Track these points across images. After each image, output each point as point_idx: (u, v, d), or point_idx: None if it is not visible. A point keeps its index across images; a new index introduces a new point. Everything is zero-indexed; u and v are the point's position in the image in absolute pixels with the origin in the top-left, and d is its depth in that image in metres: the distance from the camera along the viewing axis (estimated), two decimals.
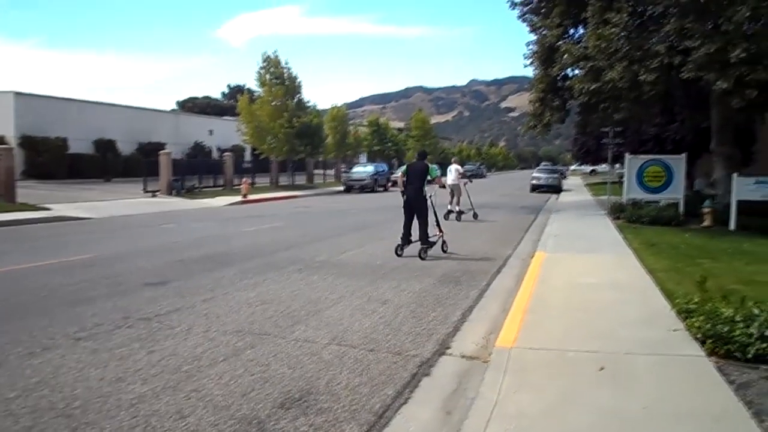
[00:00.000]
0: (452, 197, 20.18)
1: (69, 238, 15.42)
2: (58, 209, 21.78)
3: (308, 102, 44.16)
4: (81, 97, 43.25)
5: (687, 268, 9.98)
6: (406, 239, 12.31)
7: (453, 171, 21.11)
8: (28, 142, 35.12)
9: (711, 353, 5.45)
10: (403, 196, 12.67)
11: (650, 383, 4.85)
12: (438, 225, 12.74)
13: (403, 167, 13.36)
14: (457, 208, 20.10)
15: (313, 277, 9.77)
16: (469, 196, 20.58)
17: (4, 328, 6.55)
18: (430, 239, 12.07)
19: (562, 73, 21.84)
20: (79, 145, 38.59)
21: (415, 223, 12.24)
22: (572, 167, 79.33)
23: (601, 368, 5.13)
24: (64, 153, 36.97)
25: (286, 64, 42.23)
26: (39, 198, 24.00)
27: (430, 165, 12.81)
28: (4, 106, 35.75)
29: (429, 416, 4.53)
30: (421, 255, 11.72)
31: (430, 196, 12.62)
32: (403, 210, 12.55)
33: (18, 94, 36.96)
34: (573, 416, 4.26)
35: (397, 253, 12.03)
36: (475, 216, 20.10)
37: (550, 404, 4.45)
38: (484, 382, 4.92)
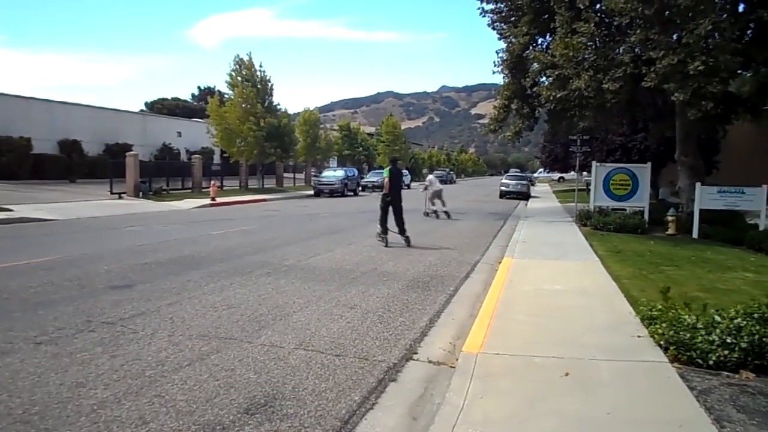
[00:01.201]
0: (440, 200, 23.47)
1: (31, 239, 15.11)
2: (21, 210, 21.34)
3: (278, 105, 44.06)
4: (46, 96, 42.53)
5: (651, 275, 10.15)
6: (386, 230, 14.69)
7: (435, 180, 24.99)
8: None
9: (674, 360, 5.55)
10: (387, 197, 14.96)
11: (614, 389, 4.91)
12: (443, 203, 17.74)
13: (386, 171, 15.65)
14: (444, 208, 23.20)
15: (280, 281, 9.70)
16: (428, 200, 23.78)
17: None
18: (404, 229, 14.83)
19: (532, 81, 22.10)
20: (44, 145, 37.80)
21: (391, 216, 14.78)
22: (536, 174, 79.68)
23: (566, 374, 5.17)
24: (28, 153, 36.16)
25: (261, 66, 42.08)
26: (0, 199, 23.48)
27: (402, 170, 15.11)
28: None
29: (395, 422, 4.52)
30: (409, 242, 14.53)
31: (421, 191, 18.37)
32: (380, 208, 15.00)
33: None
34: (538, 422, 4.29)
35: (386, 245, 14.32)
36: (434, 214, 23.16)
37: (515, 410, 4.47)
38: (450, 388, 4.93)
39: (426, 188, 24.18)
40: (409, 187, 57.53)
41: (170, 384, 5.04)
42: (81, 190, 31.64)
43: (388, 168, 15.63)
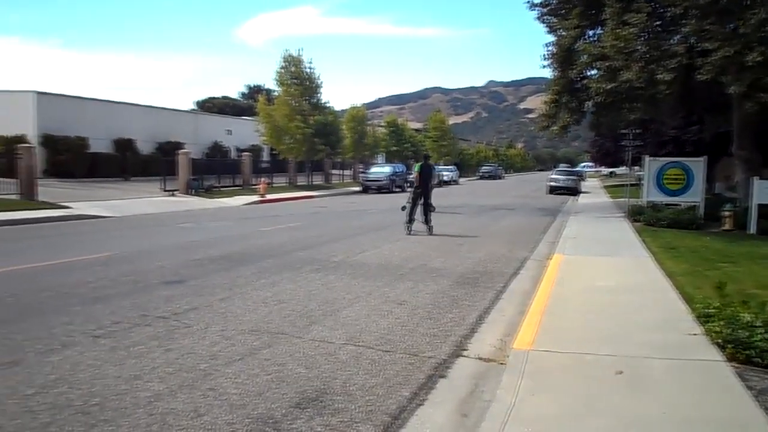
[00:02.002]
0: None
1: (88, 236, 15.56)
2: (78, 207, 21.99)
3: (326, 102, 44.33)
4: (101, 96, 43.88)
5: (706, 271, 9.88)
6: (412, 219, 16.06)
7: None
8: (48, 141, 35.41)
9: (731, 358, 5.39)
10: (417, 189, 16.34)
11: (669, 388, 4.80)
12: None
13: (417, 167, 16.88)
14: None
15: (329, 277, 9.78)
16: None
17: (24, 325, 6.61)
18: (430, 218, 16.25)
19: (580, 75, 21.73)
20: (99, 144, 38.86)
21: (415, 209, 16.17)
22: (581, 168, 77.42)
23: (619, 372, 5.08)
24: (85, 152, 37.22)
25: (309, 63, 42.32)
26: (59, 196, 24.23)
27: (433, 165, 17.29)
28: (26, 105, 36.11)
29: (445, 419, 4.51)
30: (431, 231, 15.87)
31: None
32: (411, 199, 16.28)
33: (39, 93, 37.28)
34: (590, 420, 4.22)
35: (409, 233, 15.71)
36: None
37: (567, 408, 4.42)
38: (500, 385, 4.89)
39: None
40: (457, 182, 57.48)
41: (223, 377, 5.13)
42: (135, 188, 32.42)
43: (419, 164, 16.97)
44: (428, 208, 16.31)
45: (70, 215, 20.20)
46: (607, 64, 18.10)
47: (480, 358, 5.87)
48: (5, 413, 4.34)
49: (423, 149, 69.70)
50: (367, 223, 18.99)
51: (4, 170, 25.38)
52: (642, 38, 17.19)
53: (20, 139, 31.71)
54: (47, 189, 25.20)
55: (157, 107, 49.21)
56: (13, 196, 22.16)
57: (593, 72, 20.53)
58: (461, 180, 64.17)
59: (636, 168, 40.02)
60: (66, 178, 34.18)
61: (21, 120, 35.12)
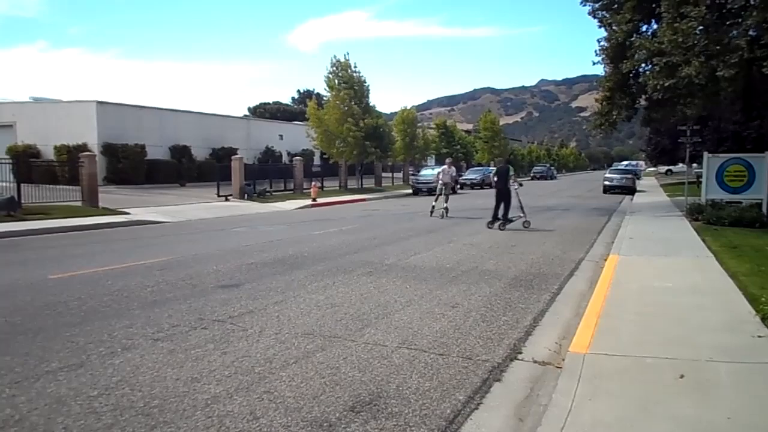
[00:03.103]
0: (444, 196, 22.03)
1: (147, 241, 15.96)
2: (137, 213, 22.61)
3: (374, 106, 44.46)
4: (157, 104, 44.91)
5: None
6: (495, 217, 17.67)
7: (445, 171, 22.89)
8: (109, 149, 36.56)
9: None
10: (495, 188, 18.30)
11: (734, 393, 4.63)
12: (521, 208, 17.72)
13: (494, 170, 19.68)
14: (444, 206, 21.77)
15: (381, 279, 9.79)
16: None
17: (86, 328, 6.81)
18: (513, 219, 17.54)
19: (634, 71, 21.26)
20: (156, 151, 39.90)
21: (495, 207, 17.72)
22: (622, 166, 74.73)
23: (681, 376, 4.93)
24: (143, 159, 38.28)
25: (355, 67, 42.59)
26: (119, 203, 24.97)
27: (510, 167, 18.83)
28: (87, 114, 37.37)
29: (501, 423, 4.45)
30: (501, 227, 17.20)
31: (515, 189, 17.89)
32: (495, 199, 17.93)
33: (100, 103, 38.51)
34: (652, 426, 4.11)
35: (488, 227, 17.46)
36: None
37: (627, 413, 4.31)
38: (557, 389, 4.80)
39: (442, 179, 22.37)
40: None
41: (278, 381, 5.18)
42: (190, 193, 33.14)
43: (497, 168, 19.47)
44: (506, 207, 17.68)
45: (130, 221, 20.77)
46: (665, 59, 17.63)
47: (536, 362, 5.79)
48: (71, 413, 4.47)
49: (474, 150, 69.64)
50: (419, 225, 18.94)
51: (69, 178, 26.37)
52: (701, 32, 16.66)
53: (82, 147, 32.90)
54: (108, 195, 26.02)
55: (210, 114, 50.33)
56: (77, 203, 22.98)
57: (648, 67, 20.06)
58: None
59: (694, 165, 38.91)
60: (125, 184, 35.24)
61: (83, 129, 36.44)
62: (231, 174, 32.36)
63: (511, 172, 18.43)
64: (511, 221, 17.48)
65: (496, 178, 18.68)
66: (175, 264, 11.49)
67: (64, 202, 22.75)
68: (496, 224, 17.44)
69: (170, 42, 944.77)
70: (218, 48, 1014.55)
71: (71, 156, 31.28)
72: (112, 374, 5.34)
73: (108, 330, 6.72)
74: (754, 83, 17.73)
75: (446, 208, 21.62)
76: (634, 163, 76.81)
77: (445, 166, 23.34)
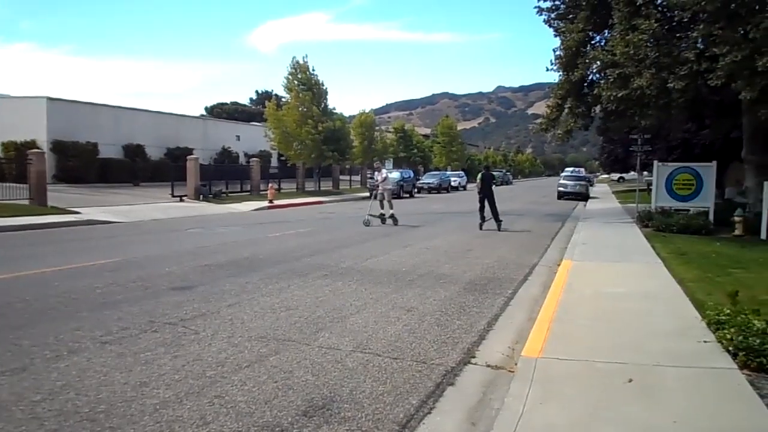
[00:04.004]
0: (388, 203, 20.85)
1: (97, 241, 15.60)
2: (88, 213, 22.08)
3: (333, 108, 44.41)
4: (111, 102, 43.95)
5: (718, 278, 9.80)
6: (483, 218, 18.96)
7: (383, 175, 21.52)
8: (59, 147, 35.66)
9: (743, 366, 5.32)
10: (479, 194, 19.30)
11: (681, 396, 4.74)
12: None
13: (479, 176, 19.83)
14: (390, 212, 20.66)
15: (337, 283, 9.75)
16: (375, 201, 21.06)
17: (31, 330, 6.61)
18: (487, 219, 18.87)
19: (588, 79, 21.70)
20: (109, 149, 39.11)
21: (487, 208, 18.96)
22: (575, 170, 76.41)
23: (630, 380, 5.02)
24: (95, 157, 37.50)
25: (313, 70, 42.52)
26: (69, 202, 24.36)
27: (493, 174, 20.48)
28: (37, 111, 36.37)
29: (453, 427, 4.46)
30: (500, 227, 18.52)
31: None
32: (478, 200, 19.30)
33: (50, 99, 37.54)
34: (601, 429, 4.17)
35: (481, 228, 18.56)
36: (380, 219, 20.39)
37: (578, 417, 4.36)
38: (509, 393, 4.84)
39: (377, 185, 21.52)
40: (465, 188, 57.44)
41: (230, 385, 5.11)
42: (144, 193, 32.56)
43: (480, 173, 19.93)
44: (495, 208, 19.00)
45: (80, 221, 20.28)
46: (617, 71, 18.02)
47: (489, 366, 5.82)
48: (12, 419, 4.33)
49: (431, 155, 70.08)
50: (376, 229, 18.94)
51: (15, 176, 25.63)
52: (652, 44, 17.09)
53: (31, 144, 32.05)
54: (57, 194, 25.37)
55: (166, 113, 49.54)
56: (24, 202, 22.33)
57: (601, 77, 20.49)
58: (469, 186, 64.07)
59: (645, 173, 39.82)
60: (76, 183, 34.45)
61: (32, 126, 35.45)
62: (186, 174, 31.87)
63: (494, 179, 19.99)
64: (484, 220, 18.96)
65: (480, 184, 19.47)
66: (127, 265, 11.25)
67: (10, 200, 22.10)
68: (485, 225, 18.77)
69: (126, 40, 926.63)
70: (175, 47, 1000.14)
71: (19, 153, 30.42)
72: (56, 378, 5.19)
73: (54, 333, 6.53)
74: (702, 94, 18.23)
75: (392, 216, 20.40)
76: (578, 170, 79.03)
77: (385, 171, 22.03)
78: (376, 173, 21.92)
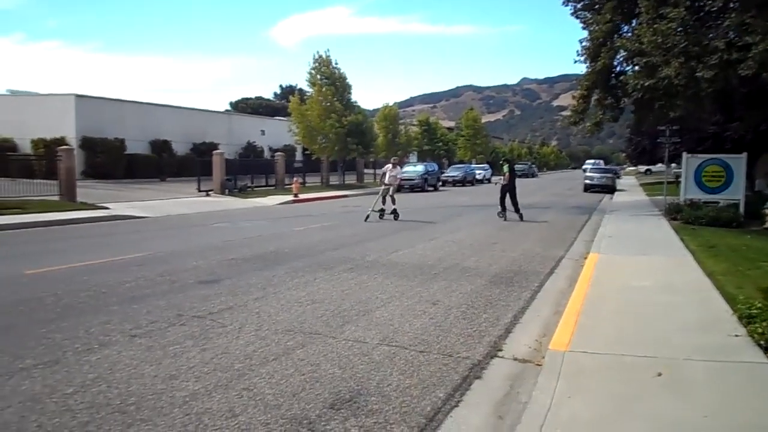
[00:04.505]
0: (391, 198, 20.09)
1: (125, 236, 15.79)
2: (116, 208, 22.36)
3: (355, 102, 44.47)
4: (138, 99, 44.45)
5: (748, 271, 9.62)
6: (504, 208, 19.53)
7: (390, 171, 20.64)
8: (87, 143, 36.14)
9: None
10: (505, 186, 19.75)
11: (711, 391, 4.68)
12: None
13: (506, 168, 20.38)
14: (392, 207, 19.92)
15: (363, 276, 9.77)
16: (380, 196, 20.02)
17: (62, 324, 6.72)
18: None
19: (616, 70, 21.44)
20: (136, 145, 39.54)
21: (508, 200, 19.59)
22: (596, 162, 75.79)
23: (659, 374, 4.96)
24: (122, 153, 37.94)
25: (336, 64, 42.57)
26: (98, 197, 24.69)
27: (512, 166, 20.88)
28: (66, 108, 36.91)
29: (480, 420, 4.46)
30: (522, 218, 19.12)
31: (501, 184, 20.23)
32: (500, 193, 19.94)
33: (78, 96, 38.08)
34: (630, 424, 4.14)
35: (504, 219, 19.18)
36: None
37: (605, 411, 4.33)
38: (537, 386, 4.82)
39: (386, 180, 20.45)
40: (489, 181, 57.16)
41: (258, 377, 5.15)
42: (170, 188, 32.87)
43: (507, 165, 20.51)
44: (515, 199, 19.69)
45: (108, 216, 20.55)
46: (645, 60, 17.76)
47: (516, 359, 5.80)
48: (46, 411, 4.41)
49: (456, 148, 69.82)
50: (400, 222, 18.92)
51: (45, 172, 26.00)
52: (680, 33, 16.81)
53: (60, 141, 32.46)
54: (86, 190, 25.71)
55: (191, 108, 49.93)
56: (54, 197, 22.67)
57: (628, 68, 20.23)
58: (494, 178, 63.78)
59: (673, 165, 39.26)
60: (104, 179, 34.87)
61: (61, 123, 35.96)
62: (212, 169, 32.15)
63: (505, 170, 20.31)
64: (518, 210, 19.57)
65: (507, 175, 20.07)
66: (154, 259, 11.38)
67: (41, 196, 22.45)
68: (507, 214, 19.45)
69: (151, 36, 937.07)
70: (200, 43, 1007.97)
71: (49, 150, 30.88)
72: (88, 371, 5.27)
73: (85, 326, 6.63)
74: (731, 85, 17.91)
75: (394, 211, 19.66)
76: (597, 161, 78.98)
77: (389, 165, 20.92)
78: (389, 167, 20.83)
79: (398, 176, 20.99)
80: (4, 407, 4.47)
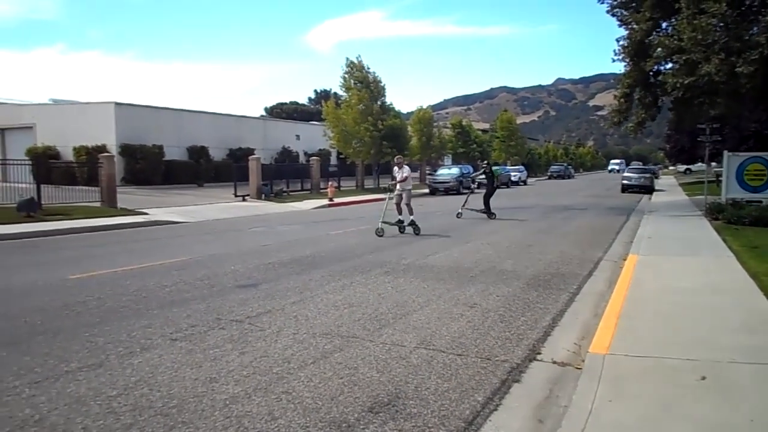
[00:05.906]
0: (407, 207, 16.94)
1: (165, 241, 16.05)
2: (155, 214, 22.74)
3: (390, 104, 44.49)
4: (175, 105, 45.09)
5: None
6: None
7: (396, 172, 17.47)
8: (127, 150, 36.80)
9: None
10: (488, 186, 21.96)
11: (757, 394, 4.57)
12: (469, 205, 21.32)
13: (497, 171, 21.15)
14: (410, 218, 16.78)
15: (399, 279, 9.77)
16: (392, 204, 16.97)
17: (105, 328, 6.85)
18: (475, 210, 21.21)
19: (654, 68, 21.08)
20: (174, 151, 40.12)
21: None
22: (613, 167, 73.75)
23: (703, 377, 4.86)
24: (161, 160, 38.51)
25: (368, 68, 42.69)
26: (138, 203, 25.13)
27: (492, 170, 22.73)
28: (106, 116, 37.64)
29: (520, 424, 4.42)
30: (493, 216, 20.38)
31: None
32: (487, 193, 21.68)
33: (118, 104, 38.77)
34: (673, 428, 4.06)
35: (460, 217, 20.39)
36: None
37: (648, 415, 4.25)
38: (577, 390, 4.76)
39: (395, 186, 17.31)
40: (525, 183, 56.70)
41: (296, 381, 5.18)
42: (208, 194, 33.29)
43: (492, 167, 22.49)
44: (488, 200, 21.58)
45: (148, 221, 20.91)
46: (684, 57, 17.44)
47: (555, 363, 5.74)
48: (90, 413, 4.50)
49: (490, 150, 69.43)
50: (435, 225, 18.88)
51: (87, 178, 26.61)
52: (721, 29, 16.47)
53: (101, 148, 33.14)
54: (126, 196, 26.19)
55: (227, 114, 50.51)
56: (96, 204, 23.17)
57: (668, 66, 19.88)
58: (530, 180, 63.25)
59: (714, 164, 38.47)
60: (143, 185, 35.46)
61: (102, 130, 36.69)
62: (248, 174, 32.48)
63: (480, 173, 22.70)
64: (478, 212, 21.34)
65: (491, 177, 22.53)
66: (193, 264, 11.54)
67: (83, 202, 22.95)
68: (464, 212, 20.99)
69: (188, 43, 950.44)
70: (235, 49, 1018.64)
71: (90, 157, 31.57)
72: (130, 374, 5.36)
73: (127, 330, 6.76)
74: None
75: (412, 222, 16.61)
76: (619, 161, 77.85)
77: (406, 168, 17.49)
78: (395, 168, 17.58)
79: (408, 176, 17.25)
80: (51, 409, 4.56)
